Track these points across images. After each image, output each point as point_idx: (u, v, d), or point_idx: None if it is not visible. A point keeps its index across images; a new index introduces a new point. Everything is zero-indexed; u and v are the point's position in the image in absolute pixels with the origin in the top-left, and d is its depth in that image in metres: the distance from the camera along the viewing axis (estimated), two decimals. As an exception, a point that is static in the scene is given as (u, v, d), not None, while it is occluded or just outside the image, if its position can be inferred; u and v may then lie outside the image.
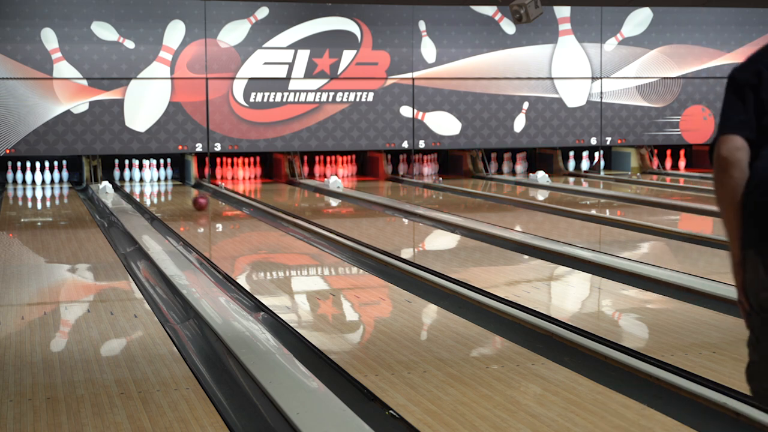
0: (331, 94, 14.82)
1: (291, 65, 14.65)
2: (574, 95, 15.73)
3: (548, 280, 6.87)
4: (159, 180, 14.77)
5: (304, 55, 14.66)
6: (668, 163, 16.48)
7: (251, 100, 14.54)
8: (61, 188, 14.11)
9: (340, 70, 14.80)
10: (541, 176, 14.34)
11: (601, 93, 15.82)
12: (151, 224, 9.88)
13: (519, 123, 15.52)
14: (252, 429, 3.84)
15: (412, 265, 7.22)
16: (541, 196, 12.76)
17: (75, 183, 14.37)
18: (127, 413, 3.84)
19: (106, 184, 13.32)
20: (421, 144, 15.18)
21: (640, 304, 5.95)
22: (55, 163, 14.44)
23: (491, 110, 15.30)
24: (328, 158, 15.50)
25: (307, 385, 4.22)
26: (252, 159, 15.25)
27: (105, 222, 10.40)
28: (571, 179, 14.94)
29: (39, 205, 12.60)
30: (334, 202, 12.59)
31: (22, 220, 11.12)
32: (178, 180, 14.85)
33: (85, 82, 13.92)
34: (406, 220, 10.48)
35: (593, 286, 6.66)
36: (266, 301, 6.04)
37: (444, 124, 15.20)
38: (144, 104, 14.16)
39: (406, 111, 15.07)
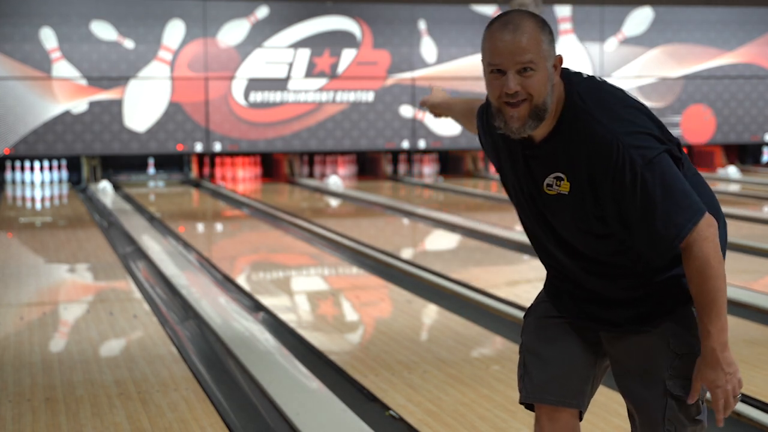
0: (331, 94, 14.81)
1: (291, 65, 14.64)
2: (575, 95, 15.70)
3: (548, 280, 6.84)
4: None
5: (304, 54, 14.65)
6: (668, 162, 16.46)
7: (251, 99, 14.53)
8: (60, 188, 14.10)
9: (340, 70, 14.79)
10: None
11: (602, 93, 15.80)
12: (150, 224, 9.87)
13: (519, 123, 15.50)
14: (252, 429, 3.83)
15: (412, 265, 7.21)
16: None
17: (74, 183, 14.35)
18: (127, 414, 3.83)
19: (105, 184, 13.30)
20: (421, 144, 15.17)
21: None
22: (55, 162, 14.42)
23: (491, 110, 15.26)
24: (328, 158, 15.49)
25: (307, 385, 4.21)
26: (252, 159, 15.23)
27: (104, 222, 10.39)
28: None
29: (38, 205, 12.59)
30: (334, 202, 12.58)
31: (21, 220, 11.11)
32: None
33: (84, 82, 13.90)
34: (406, 220, 10.47)
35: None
36: (266, 301, 6.03)
37: (444, 124, 15.18)
38: (143, 104, 14.15)
39: (406, 111, 15.06)
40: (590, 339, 2.43)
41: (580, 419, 2.43)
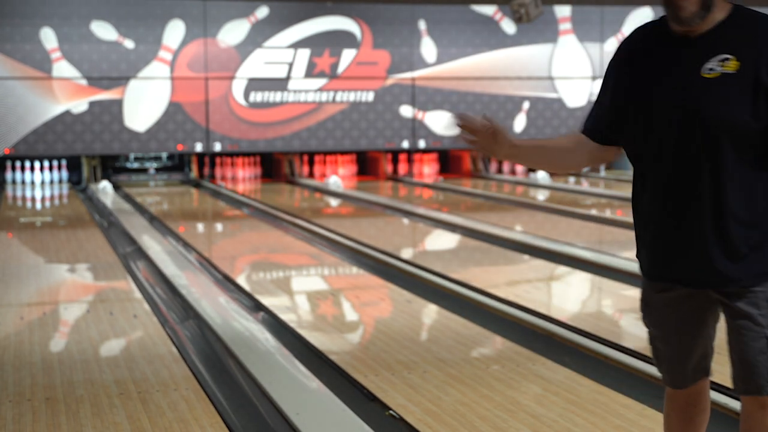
0: (331, 94, 14.81)
1: (291, 65, 14.64)
2: (575, 95, 15.72)
3: (548, 280, 6.85)
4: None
5: (304, 54, 14.65)
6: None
7: (251, 99, 14.53)
8: (60, 188, 14.10)
9: (340, 70, 14.79)
10: (541, 176, 14.31)
11: (601, 93, 15.80)
12: (150, 224, 9.87)
13: (519, 123, 15.51)
14: (252, 429, 3.83)
15: (412, 265, 7.21)
16: (541, 196, 12.75)
17: (74, 183, 14.35)
18: (127, 414, 3.83)
19: (105, 184, 13.30)
20: (421, 144, 15.17)
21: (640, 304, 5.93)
22: (55, 162, 14.42)
23: (491, 110, 15.28)
24: (328, 158, 15.49)
25: (307, 385, 4.21)
26: (252, 159, 15.24)
27: (104, 222, 10.39)
28: (571, 179, 14.93)
29: (38, 205, 12.59)
30: (334, 202, 12.59)
31: (22, 220, 11.11)
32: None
33: (84, 82, 13.90)
34: (406, 220, 10.47)
35: (593, 286, 6.65)
36: (266, 301, 6.03)
37: (444, 123, 15.18)
38: (143, 104, 14.15)
39: (406, 111, 15.06)
40: (703, 302, 2.59)
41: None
